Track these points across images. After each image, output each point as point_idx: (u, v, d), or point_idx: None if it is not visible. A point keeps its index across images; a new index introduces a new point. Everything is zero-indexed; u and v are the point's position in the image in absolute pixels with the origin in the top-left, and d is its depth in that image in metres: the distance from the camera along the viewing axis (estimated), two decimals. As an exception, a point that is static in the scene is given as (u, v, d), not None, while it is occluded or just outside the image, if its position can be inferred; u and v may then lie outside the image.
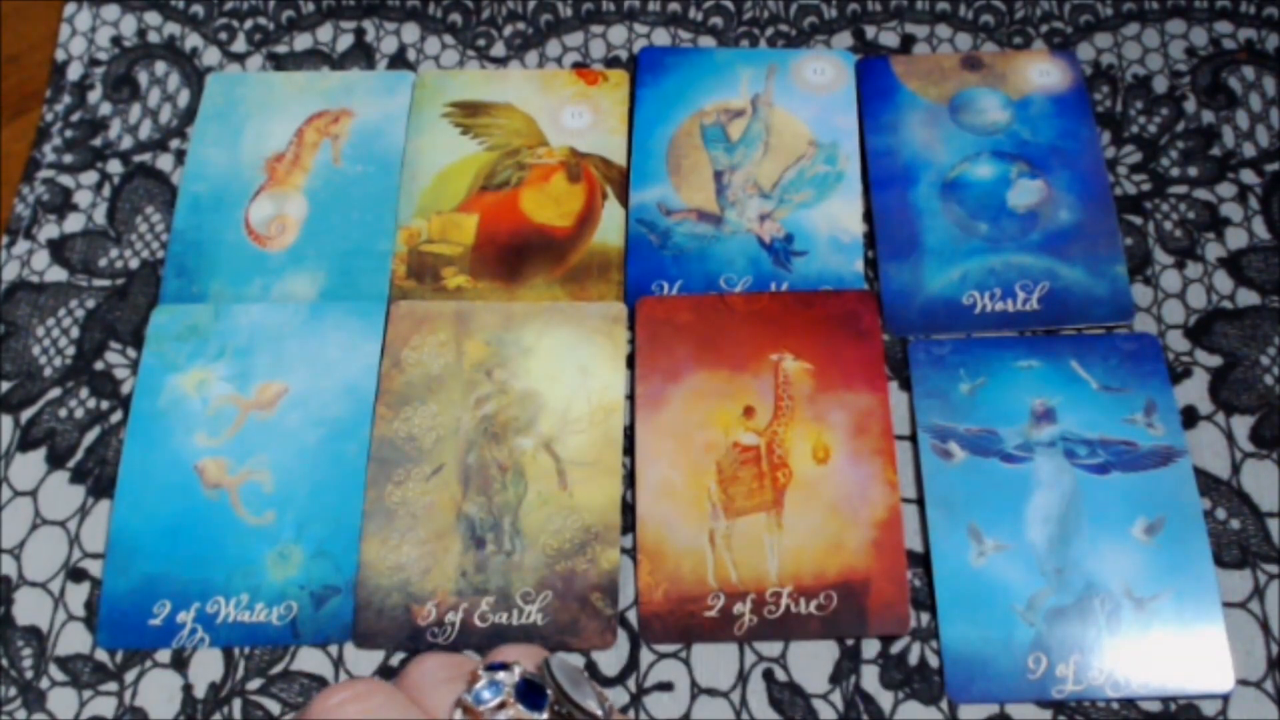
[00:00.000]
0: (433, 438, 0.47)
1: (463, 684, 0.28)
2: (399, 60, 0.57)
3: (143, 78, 0.57)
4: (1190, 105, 0.54)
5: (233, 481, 0.46)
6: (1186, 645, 0.43)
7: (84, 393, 0.49)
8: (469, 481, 0.46)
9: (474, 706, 0.27)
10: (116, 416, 0.49)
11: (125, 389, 0.49)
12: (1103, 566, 0.44)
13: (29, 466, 0.48)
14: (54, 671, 0.44)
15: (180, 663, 0.44)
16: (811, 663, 0.44)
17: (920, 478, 0.46)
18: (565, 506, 0.46)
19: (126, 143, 0.55)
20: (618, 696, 0.43)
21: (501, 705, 0.27)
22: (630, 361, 0.49)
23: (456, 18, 0.58)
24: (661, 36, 0.57)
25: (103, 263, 0.52)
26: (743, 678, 0.44)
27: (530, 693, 0.27)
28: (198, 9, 0.58)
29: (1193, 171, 0.53)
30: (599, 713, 0.28)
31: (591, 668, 0.44)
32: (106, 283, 0.52)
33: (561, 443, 0.47)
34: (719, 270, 0.51)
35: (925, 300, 0.50)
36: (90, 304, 0.51)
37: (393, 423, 0.47)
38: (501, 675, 0.27)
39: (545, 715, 0.27)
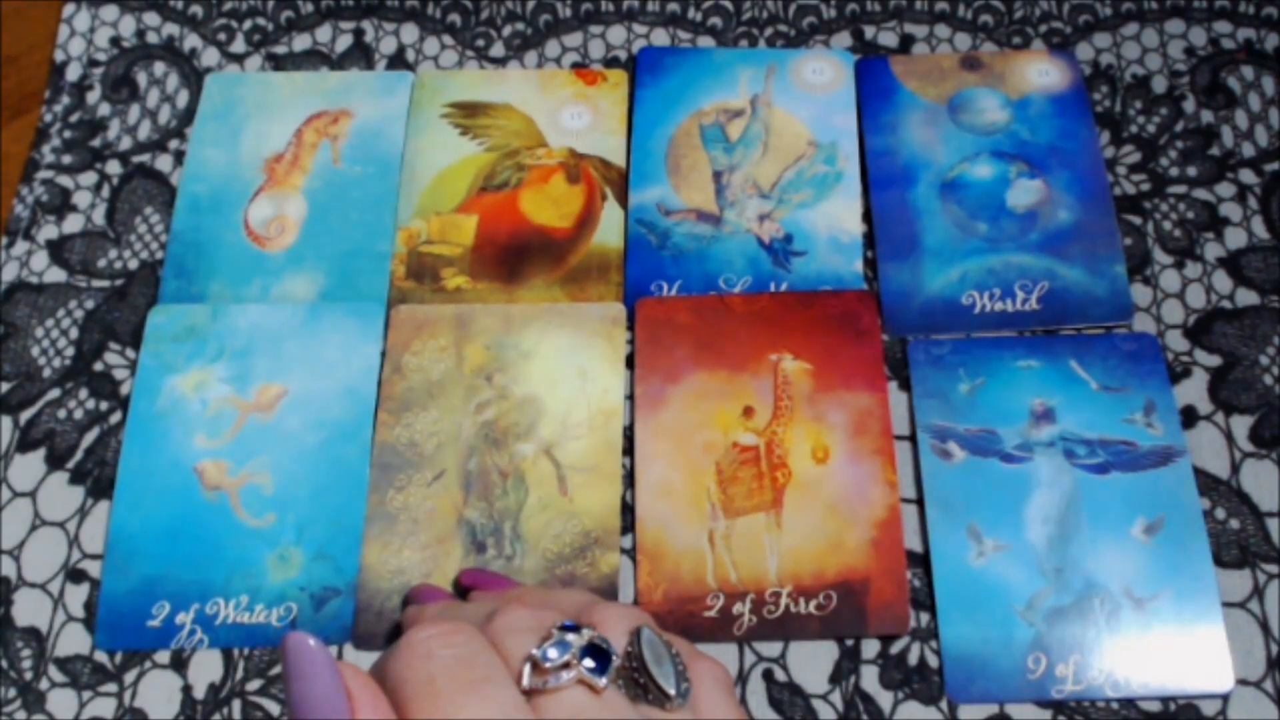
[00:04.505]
0: (434, 444, 0.47)
1: (538, 638, 0.29)
2: (398, 60, 0.57)
3: (141, 78, 0.57)
4: (1189, 105, 0.54)
5: (233, 484, 0.46)
6: (1186, 645, 0.43)
7: (83, 393, 0.49)
8: (470, 487, 0.46)
9: (541, 662, 0.28)
10: (116, 417, 0.49)
11: (124, 390, 0.49)
12: (1102, 566, 0.44)
13: (28, 467, 0.48)
14: (53, 672, 0.44)
15: (180, 663, 0.44)
16: (811, 663, 0.44)
17: (920, 478, 0.46)
18: (565, 511, 0.46)
19: (125, 143, 0.55)
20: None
21: (566, 665, 0.28)
22: (630, 362, 0.49)
23: (455, 18, 0.58)
24: (660, 37, 0.57)
25: (102, 263, 0.52)
26: (742, 678, 0.44)
27: (595, 656, 0.28)
28: (197, 9, 0.58)
29: (1192, 171, 0.53)
30: (671, 690, 0.28)
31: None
32: (105, 283, 0.52)
33: (561, 448, 0.47)
34: (718, 270, 0.51)
35: (925, 300, 0.50)
36: (89, 305, 0.51)
37: (394, 429, 0.47)
38: (571, 636, 0.28)
39: (604, 680, 0.28)
